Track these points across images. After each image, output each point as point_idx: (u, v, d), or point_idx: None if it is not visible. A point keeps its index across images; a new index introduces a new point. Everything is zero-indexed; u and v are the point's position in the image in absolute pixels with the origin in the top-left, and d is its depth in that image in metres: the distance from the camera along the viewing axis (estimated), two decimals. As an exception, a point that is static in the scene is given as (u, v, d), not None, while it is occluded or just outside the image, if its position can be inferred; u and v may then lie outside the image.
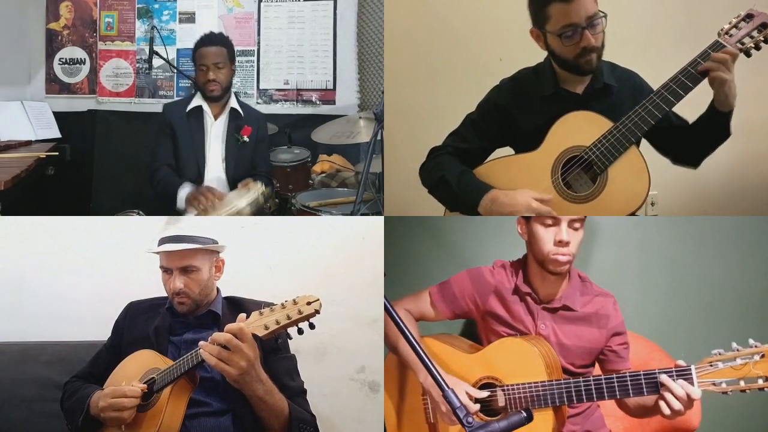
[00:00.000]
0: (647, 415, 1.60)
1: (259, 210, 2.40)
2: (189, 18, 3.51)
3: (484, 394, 1.61)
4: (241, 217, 2.33)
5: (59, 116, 3.34)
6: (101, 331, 1.85)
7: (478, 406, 1.54)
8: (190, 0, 3.51)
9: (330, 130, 3.06)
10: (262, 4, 3.50)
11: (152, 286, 1.79)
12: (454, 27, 2.86)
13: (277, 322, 1.42)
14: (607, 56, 1.86)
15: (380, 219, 2.29)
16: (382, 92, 3.02)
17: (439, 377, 1.34)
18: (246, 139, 2.67)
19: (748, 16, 1.76)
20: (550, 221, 1.65)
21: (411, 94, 2.87)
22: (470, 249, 2.34)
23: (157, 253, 1.73)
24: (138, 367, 1.64)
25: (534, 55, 1.95)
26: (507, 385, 1.62)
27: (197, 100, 2.66)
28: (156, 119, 2.81)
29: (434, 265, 2.35)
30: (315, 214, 2.60)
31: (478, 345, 1.82)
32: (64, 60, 3.51)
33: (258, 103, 3.50)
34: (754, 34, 1.74)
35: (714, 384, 1.35)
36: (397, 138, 2.74)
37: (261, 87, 3.53)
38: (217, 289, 1.80)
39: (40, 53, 3.50)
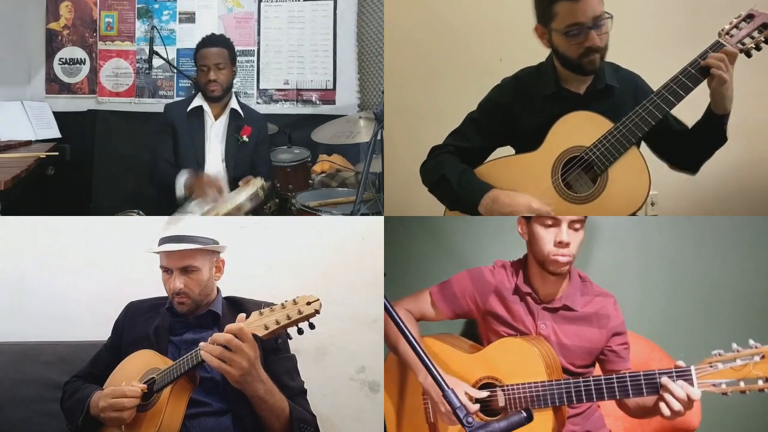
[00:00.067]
0: (647, 416, 1.60)
1: (258, 204, 2.41)
2: (189, 18, 3.51)
3: (484, 394, 1.61)
4: (241, 217, 2.33)
5: (59, 116, 3.34)
6: (101, 331, 1.85)
7: (477, 406, 1.54)
8: (190, 0, 3.50)
9: (330, 130, 3.06)
10: (262, 4, 3.50)
11: (152, 286, 1.79)
12: (454, 27, 2.86)
13: (277, 322, 1.42)
14: (607, 56, 1.85)
15: (380, 219, 2.29)
16: (382, 92, 3.02)
17: (438, 377, 1.34)
18: (246, 139, 2.68)
19: (749, 17, 1.76)
20: (550, 222, 1.65)
21: (411, 94, 2.87)
22: (470, 249, 2.34)
23: (158, 252, 1.73)
24: (138, 367, 1.64)
25: (534, 55, 1.95)
26: (507, 385, 1.62)
27: (198, 100, 2.68)
28: (156, 119, 2.82)
29: (434, 265, 2.35)
30: (315, 214, 2.60)
31: (478, 345, 1.82)
32: (64, 60, 3.51)
33: (258, 103, 3.50)
34: (755, 34, 1.75)
35: (714, 385, 1.35)
36: (397, 138, 2.74)
37: (261, 87, 3.53)
38: (218, 289, 1.80)
39: (40, 53, 3.49)
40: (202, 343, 1.45)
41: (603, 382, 1.52)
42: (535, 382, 1.58)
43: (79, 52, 3.51)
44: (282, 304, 1.45)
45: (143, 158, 3.08)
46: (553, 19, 1.80)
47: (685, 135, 1.88)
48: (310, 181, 3.09)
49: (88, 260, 2.28)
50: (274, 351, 1.68)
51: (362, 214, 2.32)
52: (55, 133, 3.26)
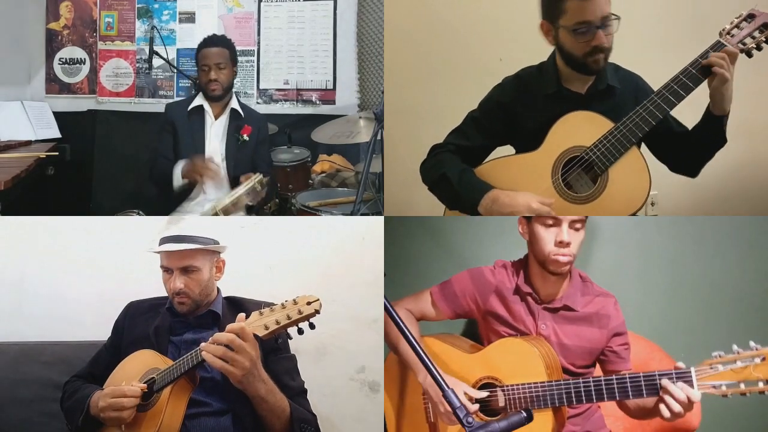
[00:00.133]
0: (648, 417, 1.60)
1: (256, 197, 2.42)
2: (189, 18, 3.51)
3: (484, 394, 1.61)
4: (241, 217, 2.34)
5: (59, 116, 3.34)
6: (101, 331, 1.85)
7: (476, 406, 1.54)
8: (190, 0, 3.51)
9: (330, 130, 3.06)
10: (262, 4, 3.50)
11: (152, 286, 1.79)
12: (454, 27, 2.86)
13: (277, 322, 1.42)
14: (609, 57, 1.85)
15: (380, 219, 2.29)
16: (382, 92, 3.02)
17: (438, 377, 1.34)
18: (246, 138, 2.69)
19: (750, 16, 1.76)
20: (550, 222, 1.65)
21: (411, 94, 2.87)
22: (470, 249, 2.34)
23: (158, 252, 1.73)
24: (138, 367, 1.63)
25: (534, 54, 1.94)
26: (507, 386, 1.62)
27: (199, 100, 2.70)
28: (156, 119, 2.82)
29: (434, 265, 2.35)
30: (315, 214, 2.60)
31: (478, 345, 1.82)
32: (64, 60, 3.51)
33: (258, 103, 3.50)
34: (756, 34, 1.75)
35: (714, 387, 1.34)
36: (397, 138, 2.74)
37: (261, 87, 3.53)
38: (218, 289, 1.80)
39: (40, 53, 3.50)
40: (203, 344, 1.45)
41: (603, 382, 1.52)
42: (535, 383, 1.58)
43: (79, 52, 3.51)
44: (282, 304, 1.45)
45: (143, 158, 3.08)
46: (562, 15, 1.79)
47: (685, 137, 1.88)
48: (310, 181, 3.09)
49: (88, 260, 2.28)
50: (275, 351, 1.68)
51: (362, 214, 2.32)
52: (55, 133, 3.26)
